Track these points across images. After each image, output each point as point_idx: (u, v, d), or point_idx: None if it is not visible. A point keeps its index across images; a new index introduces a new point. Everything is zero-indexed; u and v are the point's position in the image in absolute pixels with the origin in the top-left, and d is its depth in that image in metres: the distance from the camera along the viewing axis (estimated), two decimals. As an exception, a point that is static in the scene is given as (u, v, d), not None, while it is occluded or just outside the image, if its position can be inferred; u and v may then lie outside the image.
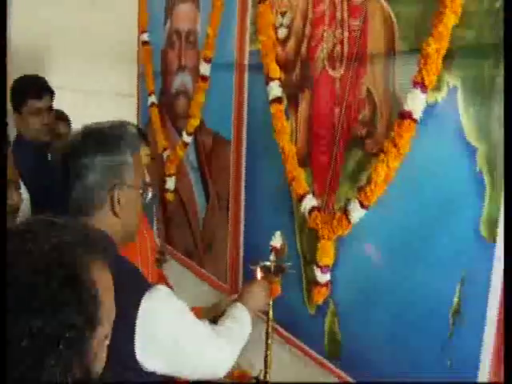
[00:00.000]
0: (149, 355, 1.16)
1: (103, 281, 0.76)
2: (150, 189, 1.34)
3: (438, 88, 1.39)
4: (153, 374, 1.20)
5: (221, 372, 1.36)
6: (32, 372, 0.67)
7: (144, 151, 1.88)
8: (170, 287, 2.06)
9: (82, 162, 1.24)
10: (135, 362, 1.16)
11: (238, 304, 1.51)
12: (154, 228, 2.61)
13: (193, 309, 1.34)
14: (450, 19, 1.32)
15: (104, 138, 1.28)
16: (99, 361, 0.77)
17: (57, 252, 0.72)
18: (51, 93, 2.46)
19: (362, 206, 1.57)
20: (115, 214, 1.26)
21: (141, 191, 1.31)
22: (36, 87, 2.39)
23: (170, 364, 1.22)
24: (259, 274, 1.63)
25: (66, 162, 1.28)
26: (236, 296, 1.65)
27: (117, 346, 1.10)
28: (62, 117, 2.84)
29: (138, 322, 1.15)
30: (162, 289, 1.23)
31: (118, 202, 1.25)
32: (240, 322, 1.45)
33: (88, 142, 1.26)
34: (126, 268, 1.25)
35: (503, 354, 1.06)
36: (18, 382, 0.66)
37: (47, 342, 0.67)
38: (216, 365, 1.35)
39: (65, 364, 0.68)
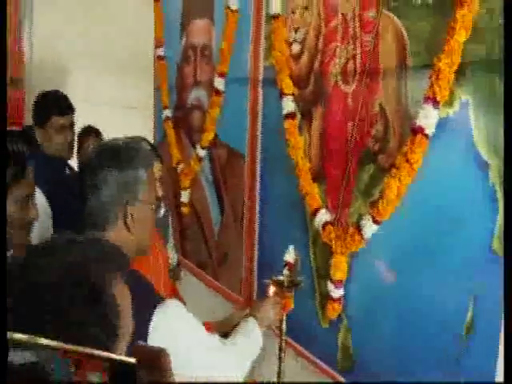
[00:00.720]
0: None
1: (122, 295, 0.79)
2: (162, 204, 1.36)
3: (449, 103, 1.40)
4: None
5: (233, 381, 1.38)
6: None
7: (157, 167, 1.91)
8: (182, 301, 2.08)
9: (97, 178, 1.28)
10: None
11: (250, 319, 1.53)
12: (171, 241, 2.63)
13: (205, 323, 1.35)
14: (461, 35, 1.32)
15: (118, 153, 1.31)
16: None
17: (79, 268, 0.74)
18: (73, 110, 2.51)
19: (375, 221, 1.58)
20: (128, 229, 1.29)
21: (153, 207, 1.34)
22: (60, 104, 2.44)
23: (179, 379, 1.23)
24: (271, 290, 1.63)
25: (82, 176, 1.33)
26: (248, 311, 1.66)
27: None
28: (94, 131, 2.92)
29: (150, 337, 1.16)
30: (172, 303, 1.26)
31: (131, 217, 1.28)
32: (251, 338, 1.47)
33: (103, 157, 1.30)
34: (137, 282, 1.25)
35: (503, 354, 1.05)
36: None
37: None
38: (230, 374, 1.37)
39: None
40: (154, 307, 1.20)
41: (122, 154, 1.31)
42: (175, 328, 1.23)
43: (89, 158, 1.33)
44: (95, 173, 1.28)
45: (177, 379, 1.21)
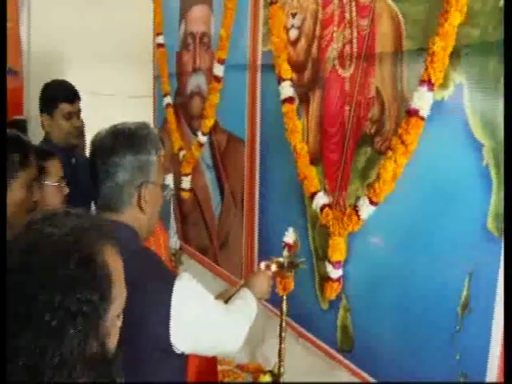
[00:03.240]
0: (180, 336, 1.25)
1: (115, 263, 0.84)
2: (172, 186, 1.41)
3: (444, 85, 1.42)
4: (181, 356, 1.29)
5: (237, 345, 1.44)
6: (53, 343, 0.73)
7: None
8: None
9: (113, 161, 1.31)
10: (169, 345, 1.24)
11: (245, 289, 1.59)
12: (173, 227, 2.67)
13: None
14: (456, 18, 1.34)
15: (133, 137, 1.34)
16: (113, 338, 0.83)
17: (74, 235, 0.79)
18: (79, 98, 2.53)
19: (371, 202, 1.61)
20: (141, 209, 1.34)
21: (163, 189, 1.40)
22: (67, 92, 2.46)
23: (196, 341, 1.30)
24: (262, 265, 1.70)
25: (94, 160, 1.35)
26: (242, 283, 1.72)
27: (154, 331, 1.22)
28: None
29: (173, 307, 1.23)
30: (187, 275, 1.33)
31: (145, 198, 1.33)
32: (248, 303, 1.53)
33: (118, 141, 1.33)
34: (154, 259, 1.35)
35: (504, 353, 1.08)
36: (38, 354, 0.72)
37: (67, 315, 0.74)
38: (233, 338, 1.43)
39: (83, 335, 0.75)
40: (173, 280, 1.26)
41: (135, 137, 1.34)
42: (193, 297, 1.30)
43: (102, 142, 1.35)
44: (110, 156, 1.32)
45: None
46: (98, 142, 1.36)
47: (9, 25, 5.35)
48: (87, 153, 1.44)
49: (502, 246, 1.29)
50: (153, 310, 1.23)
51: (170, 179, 2.75)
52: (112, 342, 0.83)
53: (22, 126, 3.84)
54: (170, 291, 1.24)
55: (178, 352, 1.27)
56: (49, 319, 0.73)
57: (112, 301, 0.80)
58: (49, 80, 2.59)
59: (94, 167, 1.34)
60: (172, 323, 1.23)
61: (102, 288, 0.78)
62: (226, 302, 1.52)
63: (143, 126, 1.39)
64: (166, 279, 1.28)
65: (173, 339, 1.24)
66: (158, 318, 1.23)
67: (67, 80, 2.63)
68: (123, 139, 1.33)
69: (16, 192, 1.55)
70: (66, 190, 1.88)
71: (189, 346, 1.29)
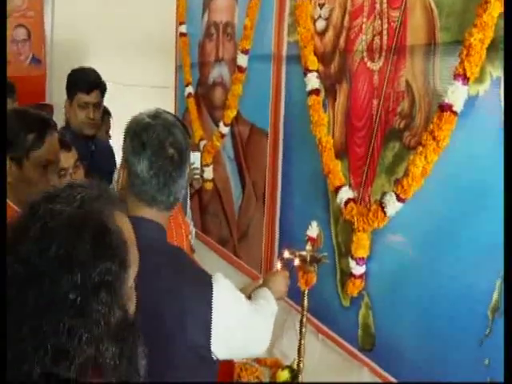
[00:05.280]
0: (221, 343, 1.20)
1: (127, 229, 0.83)
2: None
3: (480, 80, 1.37)
4: (215, 362, 1.25)
5: (265, 345, 1.42)
6: (80, 320, 0.71)
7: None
8: None
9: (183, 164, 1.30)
10: (210, 352, 1.20)
11: (265, 288, 1.57)
12: (189, 213, 2.66)
13: None
14: (496, 8, 1.29)
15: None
16: (132, 303, 0.82)
17: (85, 207, 0.78)
18: (102, 89, 2.51)
19: (399, 199, 1.57)
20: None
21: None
22: (86, 82, 2.45)
23: (231, 346, 1.26)
24: (279, 265, 1.67)
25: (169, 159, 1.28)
26: (260, 281, 1.69)
27: (193, 339, 1.17)
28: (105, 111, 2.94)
29: (214, 313, 1.18)
30: (221, 276, 1.27)
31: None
32: (270, 302, 1.50)
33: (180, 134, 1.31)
34: (188, 260, 1.31)
35: (504, 353, 1.04)
36: (66, 334, 0.71)
37: (90, 290, 0.73)
38: (263, 338, 1.41)
39: (107, 307, 0.74)
40: (211, 285, 1.22)
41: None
42: (230, 300, 1.26)
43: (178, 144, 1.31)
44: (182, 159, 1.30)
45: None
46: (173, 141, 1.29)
47: (32, 14, 5.39)
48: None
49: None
50: (192, 317, 1.18)
51: (197, 157, 2.71)
52: (131, 307, 0.82)
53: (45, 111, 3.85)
54: (210, 296, 1.19)
55: (214, 358, 1.23)
56: (73, 297, 0.71)
57: (130, 265, 0.79)
58: (70, 69, 2.59)
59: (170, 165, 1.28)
60: (214, 330, 1.18)
61: (120, 255, 0.77)
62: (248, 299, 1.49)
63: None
64: (203, 283, 1.23)
65: (213, 347, 1.19)
66: (198, 326, 1.18)
67: (88, 67, 2.63)
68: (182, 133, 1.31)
69: (29, 173, 1.54)
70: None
71: (223, 352, 1.24)
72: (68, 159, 1.87)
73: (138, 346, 0.81)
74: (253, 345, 1.38)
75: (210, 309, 1.18)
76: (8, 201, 1.48)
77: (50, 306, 0.71)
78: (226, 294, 1.24)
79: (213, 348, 1.19)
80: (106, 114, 3.07)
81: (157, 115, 1.31)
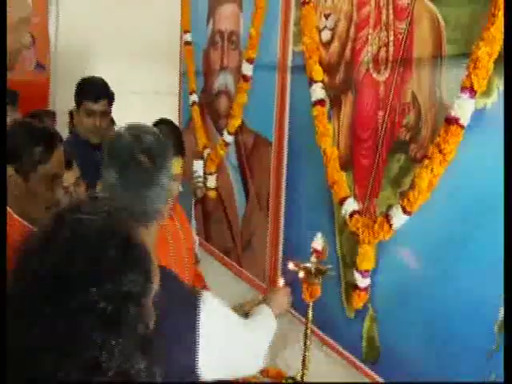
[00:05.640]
0: (207, 364, 1.16)
1: (149, 242, 0.83)
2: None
3: (487, 93, 1.36)
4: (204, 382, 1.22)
5: (258, 366, 1.38)
6: (110, 331, 0.71)
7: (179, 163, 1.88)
8: (205, 287, 2.10)
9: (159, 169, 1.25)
10: (196, 375, 1.16)
11: (264, 305, 1.54)
12: (193, 223, 2.65)
13: None
14: (503, 21, 1.28)
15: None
16: (151, 318, 0.81)
17: (112, 218, 0.78)
18: (110, 98, 2.52)
19: (405, 211, 1.56)
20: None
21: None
22: (94, 90, 2.47)
23: (222, 368, 1.23)
24: (282, 282, 1.64)
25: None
26: (260, 298, 1.68)
27: (179, 362, 1.11)
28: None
29: (201, 335, 1.14)
30: (210, 295, 1.24)
31: None
32: (268, 320, 1.48)
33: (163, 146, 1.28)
34: (173, 279, 1.24)
35: (504, 353, 1.03)
36: (97, 345, 0.70)
37: (120, 300, 0.72)
38: (255, 358, 1.37)
39: (134, 319, 0.73)
40: (198, 307, 1.18)
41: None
42: (219, 320, 1.22)
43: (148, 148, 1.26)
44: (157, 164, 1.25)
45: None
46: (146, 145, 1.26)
47: (36, 19, 5.40)
48: None
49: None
50: (177, 342, 1.12)
51: (200, 165, 2.70)
52: (151, 323, 0.81)
53: (42, 117, 3.85)
54: (197, 321, 1.15)
55: (203, 380, 1.19)
56: (103, 308, 0.71)
57: (153, 279, 0.79)
58: (74, 75, 2.61)
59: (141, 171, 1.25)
60: (202, 354, 1.14)
61: (146, 268, 0.77)
62: (246, 316, 1.47)
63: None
64: (189, 303, 1.18)
65: (203, 369, 1.15)
66: (184, 351, 1.13)
67: (97, 76, 2.63)
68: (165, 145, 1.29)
69: (35, 187, 1.53)
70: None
71: (212, 372, 1.20)
72: (69, 177, 1.85)
73: (163, 362, 0.81)
74: (246, 365, 1.34)
75: (197, 334, 1.14)
76: (10, 211, 1.48)
77: (80, 316, 0.70)
78: (214, 316, 1.20)
79: (203, 371, 1.15)
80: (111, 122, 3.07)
81: (132, 125, 1.28)
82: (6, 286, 0.73)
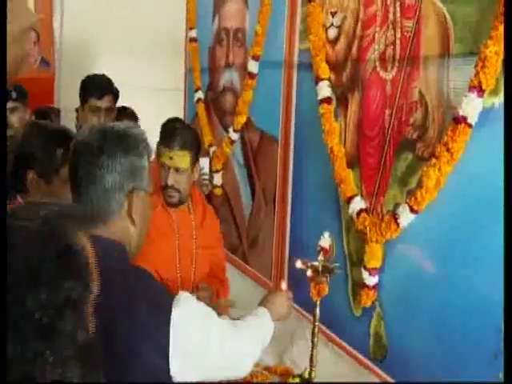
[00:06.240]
0: (181, 366, 1.12)
1: (88, 250, 0.80)
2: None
3: (495, 92, 1.36)
4: None
5: (247, 367, 1.34)
6: (46, 344, 0.69)
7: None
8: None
9: (101, 161, 1.14)
10: (169, 377, 1.12)
11: (262, 307, 1.50)
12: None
13: None
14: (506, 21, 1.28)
15: (124, 137, 1.19)
16: (92, 323, 0.79)
17: (48, 225, 0.76)
18: (114, 95, 2.53)
19: (412, 210, 1.56)
20: (132, 221, 1.17)
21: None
22: (98, 87, 2.48)
23: (199, 369, 1.18)
24: (284, 285, 1.60)
25: (78, 161, 1.18)
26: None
27: (150, 363, 1.08)
28: (131, 114, 2.96)
29: (172, 336, 1.10)
30: (185, 296, 1.19)
31: (136, 207, 1.17)
32: (263, 322, 1.43)
33: (108, 139, 1.16)
34: (146, 280, 1.19)
35: (503, 354, 1.04)
36: (33, 356, 0.69)
37: (56, 309, 0.70)
38: (244, 360, 1.32)
39: (72, 327, 0.72)
40: (170, 307, 1.13)
41: (127, 137, 1.19)
42: (193, 321, 1.18)
43: (88, 140, 1.17)
44: (98, 156, 1.14)
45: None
46: (83, 140, 1.17)
47: (41, 16, 5.40)
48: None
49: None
50: (148, 339, 1.08)
51: (206, 162, 2.71)
52: (91, 328, 0.79)
53: (49, 114, 3.86)
54: (168, 318, 1.11)
55: (181, 382, 1.14)
56: (39, 317, 0.69)
57: (92, 288, 0.78)
58: (79, 71, 2.61)
59: (77, 169, 1.16)
60: (171, 353, 1.09)
61: (84, 276, 0.75)
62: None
63: (134, 126, 1.25)
64: (160, 304, 1.13)
65: (172, 370, 1.11)
66: (154, 348, 1.09)
67: (101, 73, 2.64)
68: (114, 138, 1.16)
69: (58, 189, 1.54)
70: None
71: (190, 375, 1.15)
72: None
73: (99, 368, 0.79)
74: (232, 366, 1.29)
75: (167, 333, 1.09)
76: None
77: (15, 327, 0.69)
78: (189, 317, 1.15)
79: (173, 371, 1.11)
80: (134, 118, 3.07)
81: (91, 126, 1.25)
82: (6, 285, 0.73)
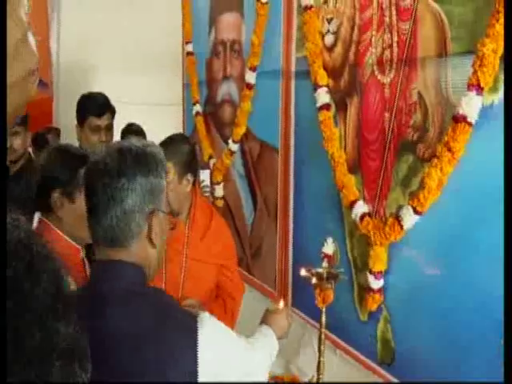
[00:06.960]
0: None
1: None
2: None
3: (494, 89, 1.36)
4: None
5: (262, 380, 1.36)
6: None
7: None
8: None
9: (121, 184, 1.10)
10: None
11: (266, 326, 1.50)
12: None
13: None
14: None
15: (143, 156, 1.14)
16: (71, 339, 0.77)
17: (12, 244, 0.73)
18: (112, 111, 2.54)
19: (415, 211, 1.55)
20: (152, 242, 1.14)
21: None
22: (97, 105, 2.48)
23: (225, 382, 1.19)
24: (281, 304, 1.59)
25: (94, 185, 1.13)
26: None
27: None
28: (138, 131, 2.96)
29: (200, 359, 1.09)
30: (207, 316, 1.18)
31: (155, 229, 1.14)
32: (270, 341, 1.44)
33: (126, 160, 1.12)
34: (168, 302, 1.19)
35: (503, 354, 1.02)
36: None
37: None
38: (260, 375, 1.34)
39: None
40: (195, 325, 1.12)
41: (145, 157, 1.15)
42: (220, 344, 1.18)
43: (105, 162, 1.13)
44: (116, 179, 1.10)
45: None
46: (100, 162, 1.13)
47: (38, 38, 5.43)
48: None
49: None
50: (175, 364, 1.08)
51: (206, 175, 2.71)
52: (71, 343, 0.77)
53: (47, 139, 3.91)
54: (195, 341, 1.09)
55: None
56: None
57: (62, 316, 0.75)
58: (77, 90, 2.62)
59: (95, 192, 1.12)
60: (202, 377, 1.09)
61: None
62: None
63: (150, 144, 1.21)
64: (186, 327, 1.11)
65: None
66: (181, 374, 1.08)
67: (94, 90, 2.65)
68: (132, 158, 1.12)
69: (81, 207, 1.55)
70: None
71: None
72: None
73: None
74: (251, 379, 1.29)
75: (195, 355, 1.08)
76: (60, 232, 1.62)
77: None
78: (213, 337, 1.15)
79: None
80: (140, 134, 3.08)
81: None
82: (5, 285, 0.70)
